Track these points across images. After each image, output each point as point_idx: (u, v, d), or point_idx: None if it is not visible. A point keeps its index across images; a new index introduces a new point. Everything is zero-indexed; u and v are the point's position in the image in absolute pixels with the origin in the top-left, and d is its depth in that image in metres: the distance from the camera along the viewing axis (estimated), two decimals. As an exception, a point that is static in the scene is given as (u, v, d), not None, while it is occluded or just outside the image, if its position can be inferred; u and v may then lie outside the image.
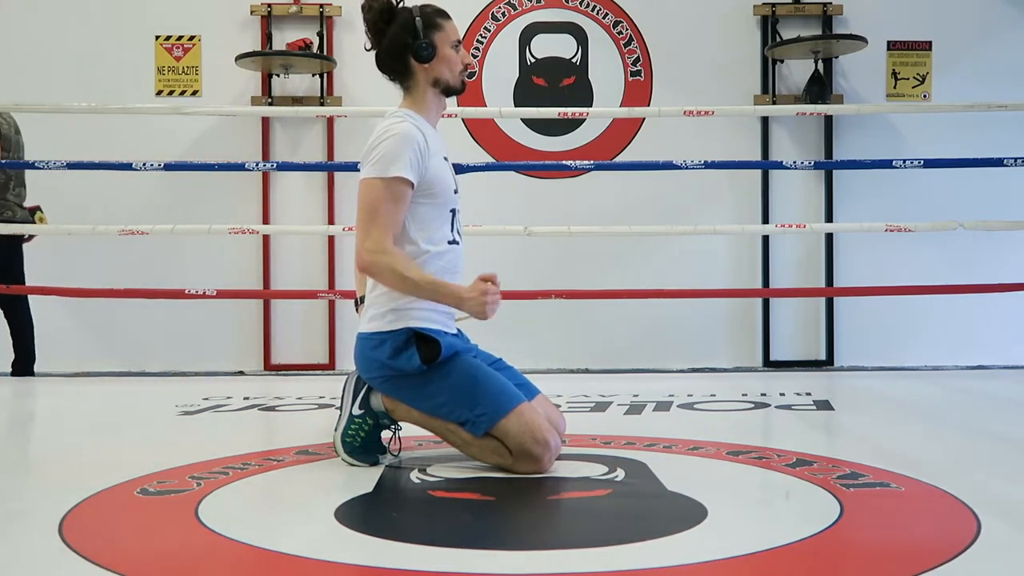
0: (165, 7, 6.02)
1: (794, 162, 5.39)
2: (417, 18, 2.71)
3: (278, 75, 5.92)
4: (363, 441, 2.69)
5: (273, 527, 2.15)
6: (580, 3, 6.06)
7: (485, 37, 6.06)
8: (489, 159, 5.93)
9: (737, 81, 5.99)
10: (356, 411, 2.70)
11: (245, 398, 4.19)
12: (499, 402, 2.57)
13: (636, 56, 6.06)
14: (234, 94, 6.00)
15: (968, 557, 1.83)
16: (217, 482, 2.47)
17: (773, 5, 5.95)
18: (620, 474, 2.53)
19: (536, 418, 2.58)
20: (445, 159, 2.78)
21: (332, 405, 3.62)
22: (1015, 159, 4.97)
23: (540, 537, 2.11)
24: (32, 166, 4.99)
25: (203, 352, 5.91)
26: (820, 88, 5.79)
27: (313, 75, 5.96)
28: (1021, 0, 6.02)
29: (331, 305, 5.96)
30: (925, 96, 6.00)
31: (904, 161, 5.03)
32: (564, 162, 5.53)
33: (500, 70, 6.05)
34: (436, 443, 2.79)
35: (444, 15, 2.78)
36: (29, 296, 5.18)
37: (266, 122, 5.96)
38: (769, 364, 5.95)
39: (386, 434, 2.74)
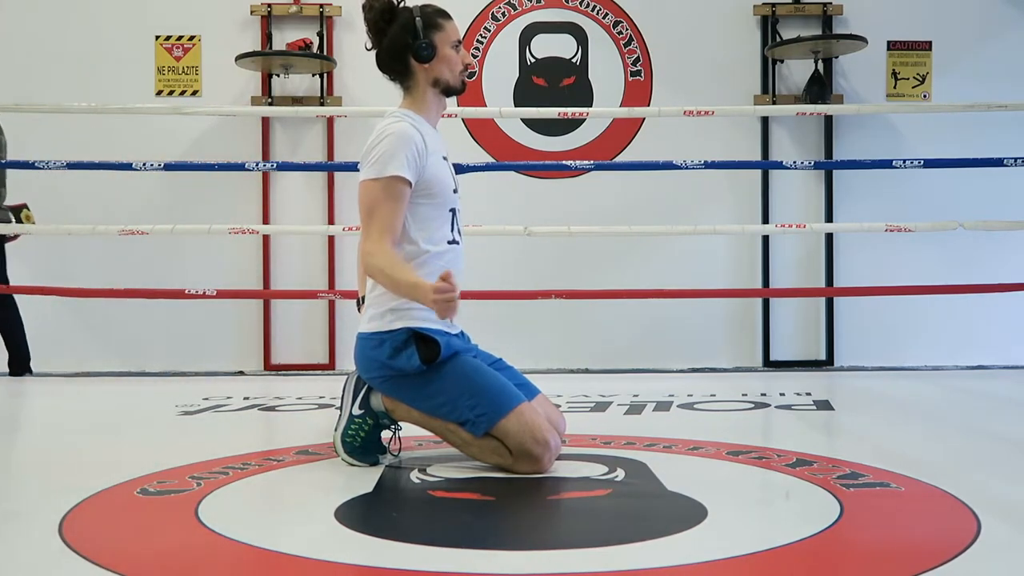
0: (165, 7, 6.02)
1: (794, 162, 5.40)
2: (417, 18, 2.71)
3: (278, 75, 5.92)
4: (363, 441, 2.69)
5: (273, 527, 2.15)
6: (580, 3, 6.06)
7: (485, 37, 6.06)
8: (489, 159, 5.93)
9: (737, 81, 5.99)
10: (356, 411, 2.71)
11: (245, 398, 4.19)
12: (499, 402, 2.58)
13: (636, 56, 6.06)
14: (234, 94, 5.99)
15: (968, 557, 1.83)
16: (217, 482, 2.47)
17: (773, 5, 5.95)
18: (620, 474, 2.53)
19: (536, 418, 2.58)
20: (444, 159, 2.78)
21: (332, 405, 3.62)
22: (1015, 159, 4.97)
23: (540, 537, 2.11)
24: (32, 166, 4.99)
25: (203, 352, 5.90)
26: (820, 88, 5.79)
27: (313, 75, 5.96)
28: (1021, 0, 6.02)
29: (331, 305, 5.96)
30: (925, 96, 6.00)
31: (904, 161, 5.03)
32: (564, 162, 5.54)
33: (500, 70, 6.05)
34: (436, 443, 2.79)
35: (445, 15, 2.78)
36: (17, 294, 5.18)
37: (266, 122, 5.96)
38: (769, 364, 5.95)
39: (386, 434, 2.74)
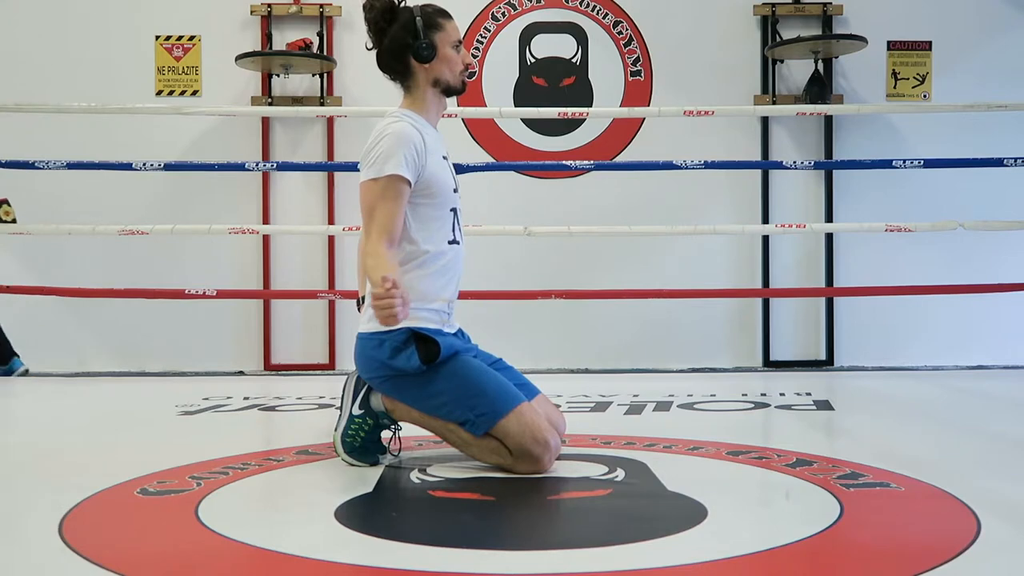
0: (165, 7, 6.02)
1: (794, 162, 5.40)
2: (418, 18, 2.71)
3: (278, 75, 5.92)
4: (363, 441, 2.69)
5: (273, 527, 2.15)
6: (580, 3, 6.06)
7: (485, 37, 6.06)
8: (489, 159, 5.93)
9: (737, 81, 5.99)
10: (356, 411, 2.70)
11: (245, 398, 4.19)
12: (499, 402, 2.57)
13: (636, 56, 6.06)
14: (234, 94, 5.99)
15: (968, 557, 1.83)
16: (217, 482, 2.47)
17: (773, 5, 5.95)
18: (620, 474, 2.53)
19: (536, 418, 2.58)
20: (444, 158, 2.78)
21: (332, 405, 3.62)
22: (1015, 159, 4.97)
23: (540, 537, 2.11)
24: (32, 166, 4.99)
25: (203, 352, 5.90)
26: (820, 88, 5.79)
27: (313, 75, 5.96)
28: (1021, 0, 6.02)
29: (331, 305, 5.96)
30: (925, 96, 6.00)
31: (904, 161, 5.03)
32: (564, 162, 5.54)
33: (500, 70, 6.05)
34: (436, 443, 2.79)
35: (445, 15, 2.78)
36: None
37: (266, 122, 5.96)
38: (769, 364, 5.95)
39: (386, 434, 2.74)
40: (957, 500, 2.23)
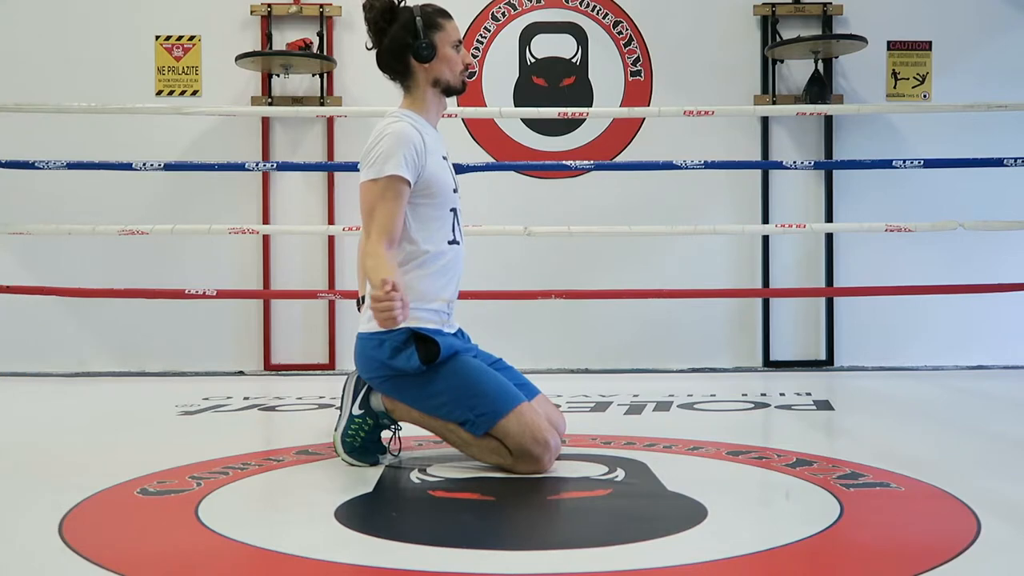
0: (165, 7, 6.01)
1: (794, 162, 5.39)
2: (418, 18, 2.71)
3: (278, 75, 5.91)
4: (363, 441, 2.69)
5: (273, 527, 2.15)
6: (580, 3, 6.05)
7: (485, 37, 6.06)
8: (489, 159, 5.93)
9: (737, 81, 5.98)
10: (356, 411, 2.71)
11: (245, 398, 4.19)
12: (499, 402, 2.58)
13: (636, 56, 6.06)
14: (234, 94, 5.99)
15: (968, 557, 1.83)
16: (217, 482, 2.47)
17: (773, 5, 5.94)
18: (620, 474, 2.53)
19: (536, 418, 2.58)
20: (444, 158, 2.78)
21: (332, 405, 3.63)
22: (1015, 159, 4.97)
23: (540, 537, 2.11)
24: (32, 166, 4.99)
25: (203, 352, 5.90)
26: (820, 88, 5.78)
27: (313, 75, 5.96)
28: (1021, 0, 6.02)
29: (331, 305, 5.96)
30: (925, 96, 6.00)
31: (904, 161, 5.03)
32: (564, 162, 5.53)
33: (500, 70, 6.04)
34: (436, 443, 2.79)
35: (445, 15, 2.79)
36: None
37: (266, 122, 5.96)
38: (769, 364, 5.95)
39: (386, 434, 2.74)
40: (957, 500, 2.23)
